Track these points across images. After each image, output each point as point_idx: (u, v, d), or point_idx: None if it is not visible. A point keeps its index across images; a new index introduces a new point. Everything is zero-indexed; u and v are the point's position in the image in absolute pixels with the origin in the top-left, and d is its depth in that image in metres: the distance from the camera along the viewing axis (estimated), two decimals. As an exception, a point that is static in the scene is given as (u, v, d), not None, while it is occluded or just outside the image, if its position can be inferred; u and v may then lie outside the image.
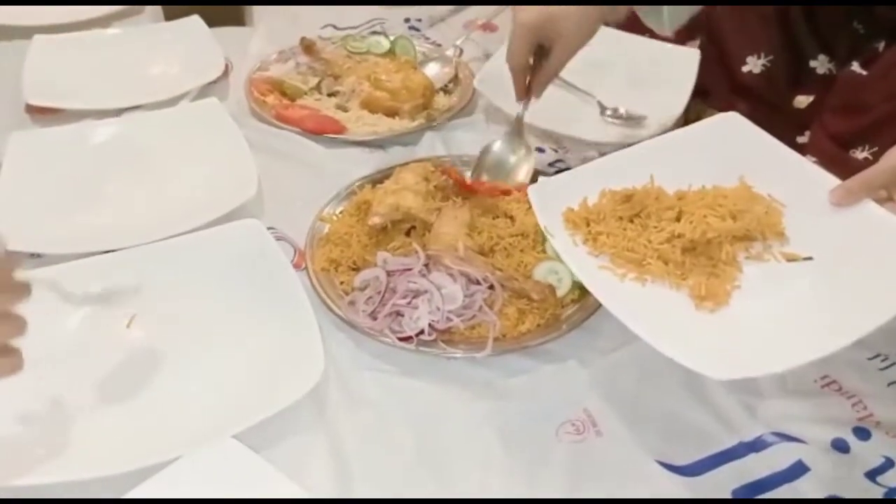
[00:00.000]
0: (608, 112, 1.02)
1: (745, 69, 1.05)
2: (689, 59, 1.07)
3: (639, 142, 0.98)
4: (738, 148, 0.73)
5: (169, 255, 0.79)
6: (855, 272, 0.62)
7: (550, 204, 0.71)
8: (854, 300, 0.60)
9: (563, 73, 1.04)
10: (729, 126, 0.75)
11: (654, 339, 0.57)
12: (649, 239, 0.68)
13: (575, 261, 0.67)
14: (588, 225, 0.70)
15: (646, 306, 0.64)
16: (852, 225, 0.64)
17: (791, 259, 0.67)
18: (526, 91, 0.87)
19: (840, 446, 0.65)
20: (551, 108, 1.01)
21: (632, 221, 0.70)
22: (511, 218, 0.83)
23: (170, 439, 0.63)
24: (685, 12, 0.87)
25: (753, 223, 0.68)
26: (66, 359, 0.70)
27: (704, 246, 0.67)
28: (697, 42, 1.13)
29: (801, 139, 1.00)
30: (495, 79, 1.06)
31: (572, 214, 0.71)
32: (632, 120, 1.00)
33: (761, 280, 0.66)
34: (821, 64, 1.01)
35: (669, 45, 1.11)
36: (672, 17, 0.86)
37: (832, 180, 0.67)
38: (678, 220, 0.69)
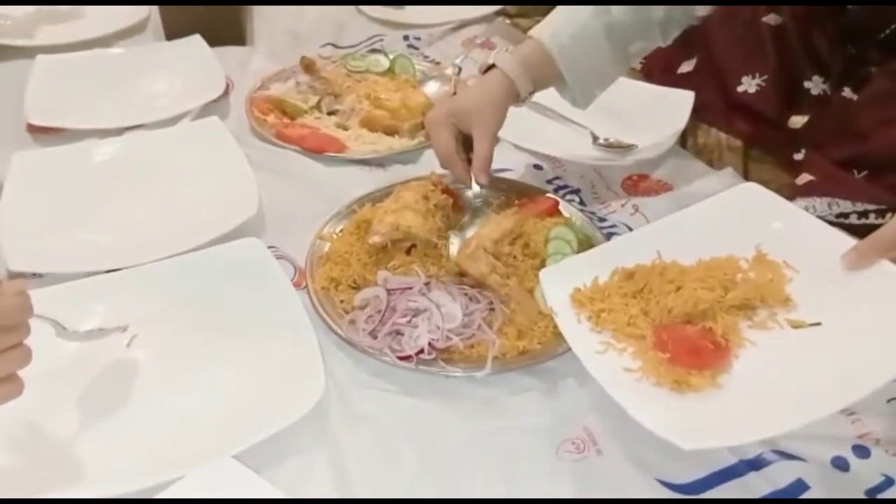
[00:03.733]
0: (600, 140, 1.03)
1: (740, 89, 1.06)
2: (682, 101, 1.08)
3: (633, 164, 1.00)
4: (755, 217, 0.74)
5: (170, 274, 0.79)
6: (861, 336, 0.62)
7: (561, 285, 0.73)
8: (852, 365, 0.60)
9: (559, 108, 1.06)
10: (745, 196, 0.76)
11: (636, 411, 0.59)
12: (647, 313, 0.69)
13: (576, 338, 0.68)
14: (592, 303, 0.71)
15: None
16: (864, 285, 0.65)
17: (797, 326, 0.66)
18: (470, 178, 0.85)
19: (840, 464, 0.65)
20: (546, 137, 1.03)
21: (635, 297, 0.71)
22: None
23: (171, 459, 0.63)
24: (593, 91, 0.88)
25: (751, 291, 0.68)
26: (67, 379, 0.70)
27: (701, 318, 0.68)
28: (694, 61, 1.14)
29: (798, 156, 1.00)
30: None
31: (579, 294, 0.72)
32: (622, 148, 1.01)
33: (763, 348, 0.66)
34: (815, 85, 1.02)
35: (665, 89, 1.13)
36: (582, 97, 0.87)
37: (847, 242, 0.67)
38: (677, 291, 0.70)
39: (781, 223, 0.73)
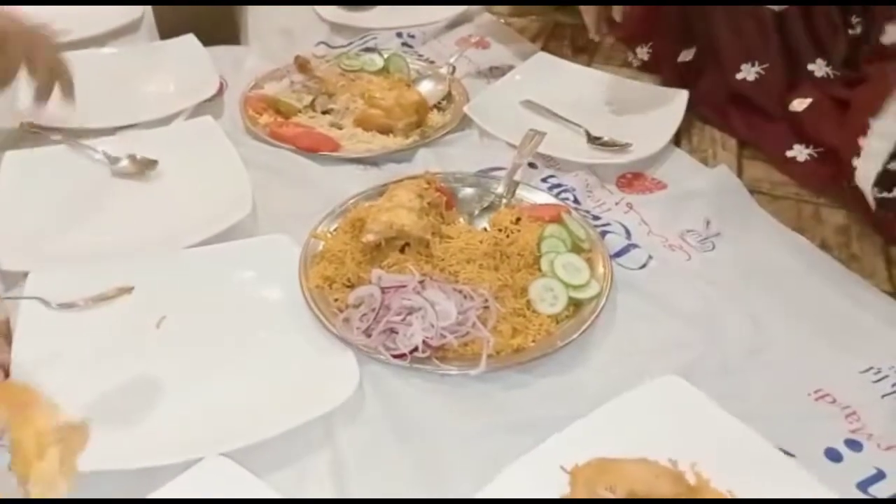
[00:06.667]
0: (595, 139, 1.03)
1: (738, 76, 1.06)
2: (677, 99, 1.09)
3: (627, 163, 0.99)
4: (678, 418, 0.65)
5: (199, 263, 0.81)
6: None
7: None
8: None
9: (554, 108, 1.08)
10: (669, 392, 0.67)
11: None
12: None
13: None
14: None
15: None
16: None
17: None
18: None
19: (832, 456, 0.66)
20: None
21: None
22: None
23: (166, 450, 0.63)
24: None
25: None
26: (80, 361, 0.71)
27: None
28: (693, 50, 1.14)
29: (790, 153, 1.01)
30: (486, 105, 1.09)
31: None
32: (617, 147, 1.01)
33: None
34: (818, 67, 1.01)
35: (659, 88, 1.13)
36: None
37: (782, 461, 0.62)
38: None
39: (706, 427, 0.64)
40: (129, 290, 0.71)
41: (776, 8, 1.04)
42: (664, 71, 1.15)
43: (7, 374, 0.67)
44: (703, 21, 1.10)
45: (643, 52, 1.23)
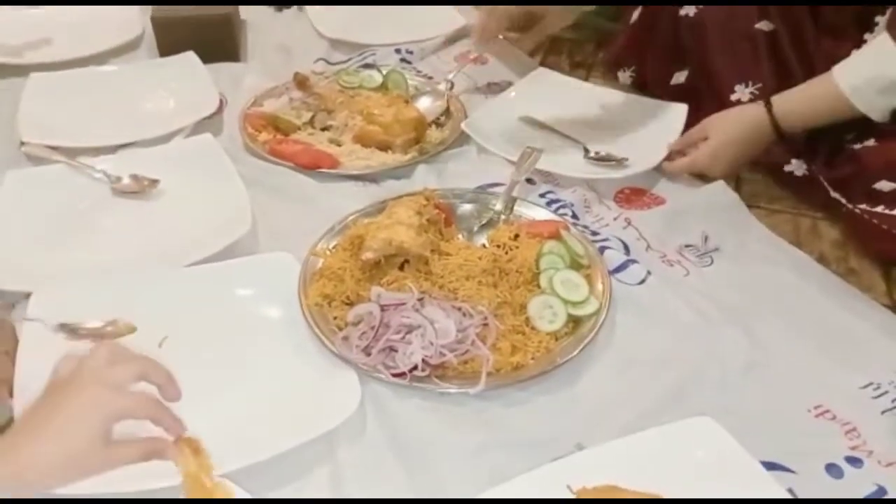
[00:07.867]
0: (592, 154, 1.04)
1: (733, 97, 1.07)
2: (675, 114, 1.09)
3: (625, 178, 1.00)
4: (706, 463, 0.63)
5: (202, 281, 0.81)
6: None
7: None
8: None
9: (552, 123, 1.10)
10: (700, 435, 0.65)
11: None
12: None
13: None
14: None
15: None
16: None
17: None
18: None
19: (833, 473, 0.66)
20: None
21: None
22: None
23: (165, 472, 0.61)
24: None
25: None
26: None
27: None
28: (686, 72, 1.15)
29: (788, 168, 1.01)
30: (484, 121, 1.09)
31: None
32: (615, 161, 1.02)
33: None
34: None
35: (657, 102, 1.14)
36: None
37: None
38: None
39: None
40: (132, 329, 0.73)
41: (765, 28, 1.05)
42: (656, 92, 1.16)
43: (10, 394, 0.67)
44: (695, 43, 1.11)
45: (625, 77, 1.24)
